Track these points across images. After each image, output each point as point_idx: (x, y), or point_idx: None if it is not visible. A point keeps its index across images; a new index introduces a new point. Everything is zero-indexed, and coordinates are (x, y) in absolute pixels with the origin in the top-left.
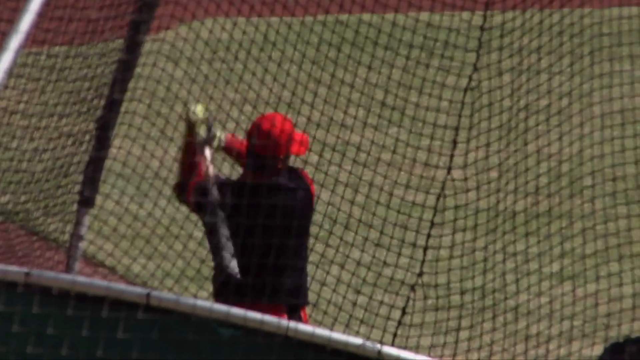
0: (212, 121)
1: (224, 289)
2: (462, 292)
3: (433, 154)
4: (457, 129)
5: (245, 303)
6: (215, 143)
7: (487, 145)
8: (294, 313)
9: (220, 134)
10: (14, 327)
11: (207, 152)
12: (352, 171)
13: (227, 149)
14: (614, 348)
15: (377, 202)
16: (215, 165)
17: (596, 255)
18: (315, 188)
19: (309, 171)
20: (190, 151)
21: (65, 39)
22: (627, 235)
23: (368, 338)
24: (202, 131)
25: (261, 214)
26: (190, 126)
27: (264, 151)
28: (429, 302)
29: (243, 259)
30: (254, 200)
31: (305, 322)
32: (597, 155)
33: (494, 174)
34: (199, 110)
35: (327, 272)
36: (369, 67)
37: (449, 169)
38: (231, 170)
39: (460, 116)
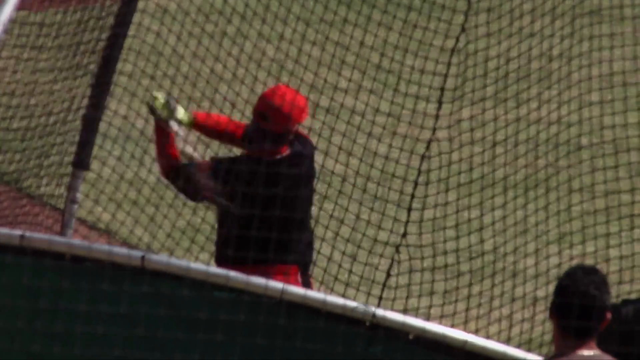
0: (173, 104)
1: (232, 251)
2: (446, 253)
3: (418, 114)
4: (442, 89)
5: (259, 266)
6: (182, 120)
7: (472, 104)
8: (306, 272)
9: (181, 112)
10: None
11: (180, 131)
12: (338, 130)
13: (199, 127)
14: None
15: (361, 160)
16: (190, 144)
17: (595, 215)
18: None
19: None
20: (160, 135)
21: (60, 3)
22: (624, 197)
23: (354, 300)
24: (164, 113)
25: (287, 185)
26: (152, 110)
27: (278, 129)
28: (415, 263)
29: (263, 232)
30: (278, 174)
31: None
32: (586, 117)
33: (479, 134)
34: (159, 95)
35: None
36: (355, 25)
37: (434, 130)
38: (205, 150)
39: (446, 76)
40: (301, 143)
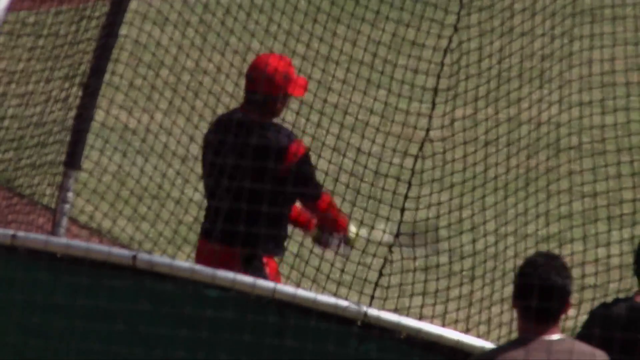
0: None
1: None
2: (438, 253)
3: (411, 115)
4: (435, 90)
5: (207, 244)
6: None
7: (465, 105)
8: (251, 260)
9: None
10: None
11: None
12: (330, 130)
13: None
14: (602, 308)
15: (355, 161)
16: None
17: (585, 214)
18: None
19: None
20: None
21: (51, 3)
22: (612, 197)
23: (346, 299)
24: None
25: (244, 152)
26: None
27: (262, 90)
28: (407, 263)
29: (213, 199)
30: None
31: (272, 273)
32: (576, 117)
33: (471, 134)
34: (359, 233)
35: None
36: (348, 27)
37: (428, 130)
38: None
39: (439, 77)
40: (279, 132)
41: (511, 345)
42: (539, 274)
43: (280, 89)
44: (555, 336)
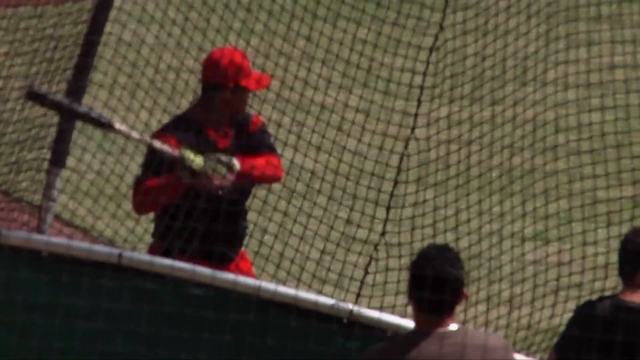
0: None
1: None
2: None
3: (397, 112)
4: (421, 87)
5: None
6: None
7: (450, 103)
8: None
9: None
10: None
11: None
12: (315, 129)
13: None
14: (587, 306)
15: (341, 161)
16: None
17: (571, 212)
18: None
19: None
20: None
21: (39, 1)
22: (595, 195)
23: (332, 297)
24: (222, 171)
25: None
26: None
27: (212, 80)
28: (392, 261)
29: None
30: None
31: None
32: (562, 116)
33: (455, 132)
34: (198, 160)
35: (291, 232)
36: (334, 25)
37: (413, 128)
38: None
39: (424, 74)
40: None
41: (406, 337)
42: (432, 266)
43: (230, 79)
44: (450, 327)
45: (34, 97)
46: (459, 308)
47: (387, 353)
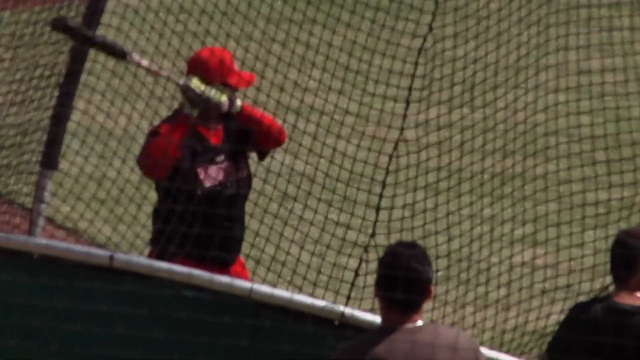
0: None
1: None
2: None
3: (386, 114)
4: (410, 89)
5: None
6: (237, 108)
7: (439, 104)
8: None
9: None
10: None
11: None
12: (306, 131)
13: (247, 117)
14: (580, 308)
15: (331, 162)
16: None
17: (560, 214)
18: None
19: None
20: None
21: (26, 4)
22: (584, 197)
23: (323, 299)
24: (223, 99)
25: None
26: (196, 99)
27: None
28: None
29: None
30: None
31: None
32: (552, 117)
33: (446, 134)
34: (195, 82)
35: (281, 234)
36: (324, 26)
37: (402, 130)
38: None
39: (413, 76)
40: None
41: (374, 335)
42: (399, 263)
43: (215, 77)
44: (418, 323)
45: (63, 28)
46: (426, 305)
47: (357, 351)
